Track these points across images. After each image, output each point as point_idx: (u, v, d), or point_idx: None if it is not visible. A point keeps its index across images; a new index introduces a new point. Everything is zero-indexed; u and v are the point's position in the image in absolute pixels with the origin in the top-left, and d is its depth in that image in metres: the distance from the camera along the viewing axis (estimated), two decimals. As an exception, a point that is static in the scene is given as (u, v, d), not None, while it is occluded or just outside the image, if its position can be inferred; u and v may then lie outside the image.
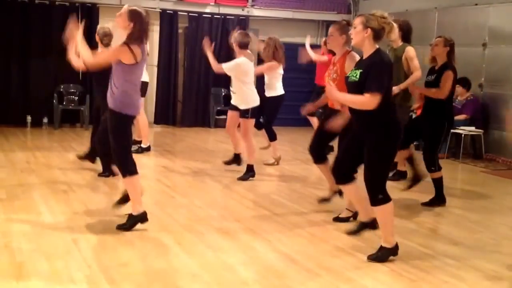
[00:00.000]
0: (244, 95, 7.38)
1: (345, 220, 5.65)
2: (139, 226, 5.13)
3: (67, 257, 4.37)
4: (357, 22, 4.49)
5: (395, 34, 6.66)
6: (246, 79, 7.35)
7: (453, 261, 4.73)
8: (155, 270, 4.24)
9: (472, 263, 4.70)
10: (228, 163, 8.02)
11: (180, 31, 12.38)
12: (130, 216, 5.15)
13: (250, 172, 7.46)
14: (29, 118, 11.01)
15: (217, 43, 12.39)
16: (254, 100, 7.43)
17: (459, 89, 9.95)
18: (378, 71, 4.37)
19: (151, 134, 11.14)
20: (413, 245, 5.08)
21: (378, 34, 4.45)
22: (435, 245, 5.14)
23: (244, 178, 7.40)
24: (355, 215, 5.64)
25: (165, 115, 12.45)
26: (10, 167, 7.45)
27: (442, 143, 6.54)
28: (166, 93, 12.36)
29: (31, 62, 11.04)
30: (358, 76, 4.45)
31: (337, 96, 4.60)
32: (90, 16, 11.37)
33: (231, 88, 7.58)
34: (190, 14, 12.32)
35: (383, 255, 4.60)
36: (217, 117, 12.50)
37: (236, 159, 8.04)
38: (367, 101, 4.34)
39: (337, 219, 5.70)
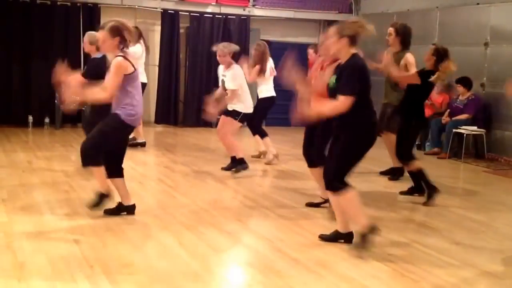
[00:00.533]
0: (241, 100, 7.64)
1: (317, 205, 6.04)
2: (141, 222, 5.15)
3: (68, 258, 4.36)
4: (332, 33, 4.74)
5: (392, 39, 7.35)
6: (243, 86, 7.64)
7: (455, 261, 4.72)
8: (156, 270, 4.23)
9: (474, 263, 4.69)
10: (227, 168, 7.90)
11: (181, 31, 12.38)
12: (100, 194, 5.45)
13: (243, 164, 7.63)
14: (30, 118, 11.01)
15: (218, 43, 12.39)
16: (247, 107, 7.71)
17: (460, 88, 9.95)
18: (349, 75, 4.59)
19: (152, 133, 11.15)
20: (415, 245, 5.07)
21: (353, 40, 4.66)
22: (437, 245, 5.12)
23: (238, 170, 7.59)
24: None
25: (166, 115, 12.46)
26: (11, 167, 7.45)
27: (414, 139, 6.86)
28: (168, 93, 12.36)
29: (32, 62, 11.05)
30: (335, 82, 4.70)
31: (316, 110, 4.75)
32: (92, 16, 11.39)
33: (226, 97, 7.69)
34: (191, 14, 12.33)
35: (365, 240, 4.71)
36: (219, 117, 12.46)
37: (234, 162, 7.95)
38: (340, 104, 4.56)
39: (311, 205, 6.16)
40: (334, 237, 5.01)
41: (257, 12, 12.75)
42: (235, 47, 7.64)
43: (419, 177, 6.68)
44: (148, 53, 9.93)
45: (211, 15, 12.43)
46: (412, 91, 6.70)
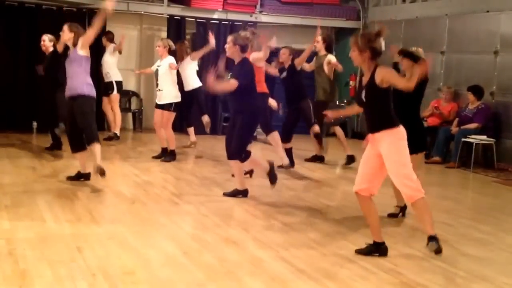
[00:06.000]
0: (170, 91, 8.86)
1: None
2: (144, 230, 5.11)
3: (71, 265, 4.31)
4: (229, 40, 6.63)
5: (320, 45, 9.29)
6: (175, 76, 9.03)
7: (464, 273, 4.63)
8: (160, 279, 4.18)
9: (483, 275, 4.61)
10: (157, 157, 8.97)
11: (187, 37, 12.33)
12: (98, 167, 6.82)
13: (171, 156, 8.88)
14: (35, 124, 10.98)
15: (224, 50, 12.34)
16: (177, 96, 8.97)
17: (470, 96, 9.84)
18: (238, 70, 6.63)
19: (157, 140, 11.06)
20: (423, 257, 4.98)
21: (243, 49, 6.67)
22: (446, 257, 5.02)
23: (166, 160, 8.80)
24: (250, 172, 7.78)
25: (172, 122, 12.36)
26: (15, 173, 7.41)
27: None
28: (174, 99, 12.29)
29: (38, 67, 10.99)
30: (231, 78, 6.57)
31: (217, 87, 6.59)
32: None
33: (158, 88, 8.92)
34: (197, 20, 12.28)
35: (235, 193, 6.73)
36: (225, 124, 12.44)
37: (164, 152, 9.01)
38: (229, 85, 6.54)
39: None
40: (233, 194, 6.78)
41: (264, 18, 12.68)
42: (172, 44, 9.14)
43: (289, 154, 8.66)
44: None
45: (217, 21, 12.38)
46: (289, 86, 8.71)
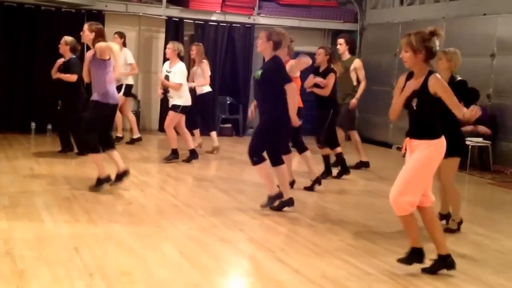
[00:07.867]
0: (181, 93, 8.71)
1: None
2: (141, 230, 5.12)
3: (68, 265, 4.33)
4: (262, 35, 6.10)
5: (343, 48, 9.07)
6: (186, 82, 8.92)
7: (459, 274, 4.65)
8: (156, 279, 4.19)
9: (478, 276, 4.64)
10: (186, 160, 8.88)
11: (185, 38, 12.36)
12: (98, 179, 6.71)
13: (174, 154, 8.82)
14: (33, 125, 10.98)
15: (222, 51, 12.38)
16: (187, 100, 8.82)
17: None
18: (281, 69, 6.14)
19: (155, 141, 11.11)
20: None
21: (277, 46, 6.13)
22: (442, 258, 5.06)
23: (168, 158, 8.79)
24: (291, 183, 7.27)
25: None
26: (13, 174, 7.41)
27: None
28: (171, 101, 12.30)
29: (36, 68, 11.02)
30: (260, 75, 6.11)
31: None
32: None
33: (169, 94, 8.85)
34: (196, 21, 12.30)
35: (283, 205, 6.25)
36: (222, 125, 12.46)
37: (192, 153, 8.96)
38: (291, 88, 6.05)
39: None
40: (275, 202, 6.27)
41: (262, 20, 12.71)
42: (182, 48, 8.93)
43: (326, 161, 8.21)
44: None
45: (215, 23, 12.41)
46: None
